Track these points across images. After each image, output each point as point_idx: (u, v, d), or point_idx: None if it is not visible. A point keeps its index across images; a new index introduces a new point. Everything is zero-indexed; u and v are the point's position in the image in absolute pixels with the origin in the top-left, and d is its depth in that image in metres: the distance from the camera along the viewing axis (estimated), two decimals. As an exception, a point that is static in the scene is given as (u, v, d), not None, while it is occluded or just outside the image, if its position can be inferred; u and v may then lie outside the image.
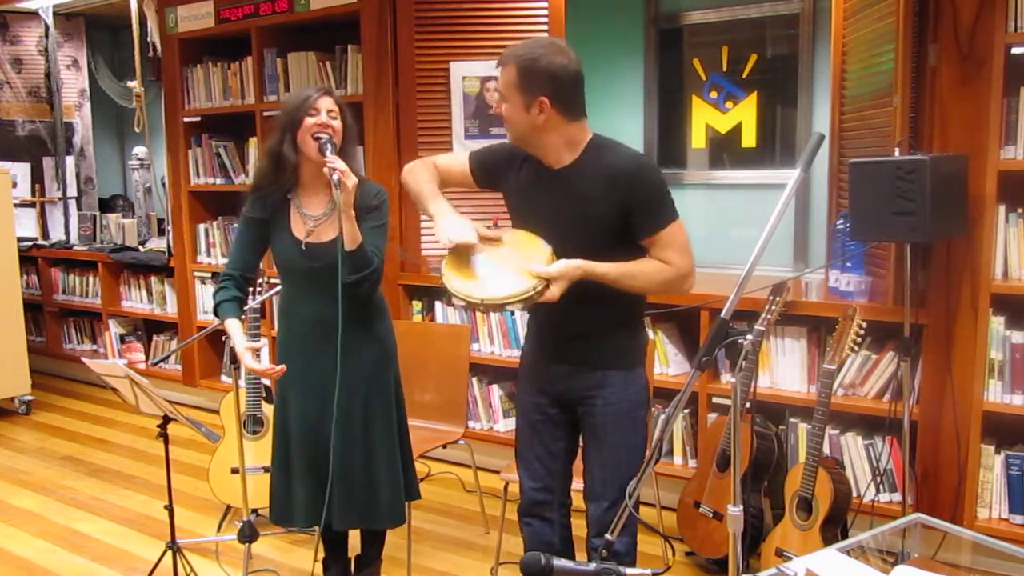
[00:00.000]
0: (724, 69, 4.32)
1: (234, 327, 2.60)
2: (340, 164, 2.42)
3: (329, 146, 2.47)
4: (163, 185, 5.53)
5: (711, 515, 3.07)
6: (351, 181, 2.41)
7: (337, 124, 2.54)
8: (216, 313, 2.65)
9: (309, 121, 2.50)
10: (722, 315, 1.68)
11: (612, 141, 2.23)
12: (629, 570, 1.51)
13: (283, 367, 2.55)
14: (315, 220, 2.59)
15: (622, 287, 2.16)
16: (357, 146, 2.71)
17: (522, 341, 4.01)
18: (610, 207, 2.13)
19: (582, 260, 2.11)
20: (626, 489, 2.18)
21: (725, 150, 4.38)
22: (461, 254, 2.20)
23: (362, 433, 2.65)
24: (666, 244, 2.15)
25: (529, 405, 2.44)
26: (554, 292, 2.08)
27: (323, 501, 2.59)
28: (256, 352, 2.56)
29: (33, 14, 6.39)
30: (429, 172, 2.36)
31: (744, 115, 4.29)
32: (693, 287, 2.23)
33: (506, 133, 2.26)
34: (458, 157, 2.43)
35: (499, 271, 2.16)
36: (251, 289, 3.26)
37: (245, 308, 2.72)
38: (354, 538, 2.94)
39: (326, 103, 2.53)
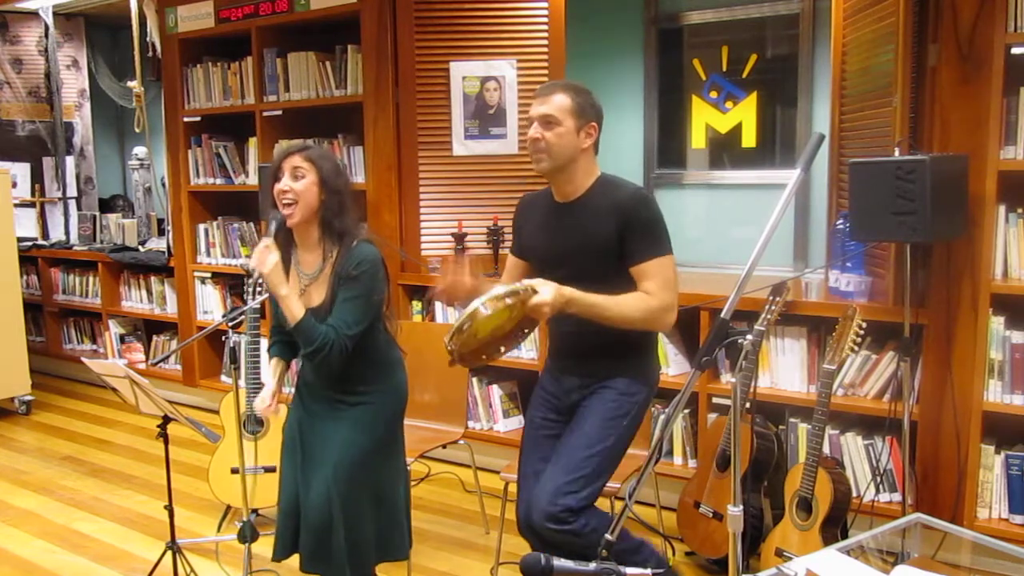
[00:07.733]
0: (724, 69, 4.32)
1: (273, 369, 2.70)
2: (258, 247, 2.41)
3: (273, 223, 2.47)
4: (163, 185, 5.53)
5: (711, 515, 3.07)
6: (264, 268, 2.39)
7: (300, 185, 2.46)
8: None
9: (276, 187, 2.49)
10: (722, 315, 1.68)
11: (619, 178, 2.41)
12: (629, 570, 1.51)
13: (272, 408, 2.61)
14: (308, 278, 2.57)
15: (605, 315, 2.22)
16: (347, 197, 2.55)
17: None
18: (611, 231, 2.29)
19: (568, 288, 2.18)
20: (579, 483, 2.24)
21: (725, 150, 4.38)
22: None
23: (327, 488, 2.53)
24: (652, 275, 2.27)
25: (538, 420, 2.54)
26: (544, 297, 2.10)
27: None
28: (270, 404, 2.62)
29: (33, 14, 6.39)
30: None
31: (744, 115, 4.29)
32: (672, 323, 2.31)
33: (540, 160, 2.34)
34: (509, 265, 2.60)
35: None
36: (251, 290, 3.27)
37: (271, 340, 2.76)
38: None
39: (291, 162, 2.48)
